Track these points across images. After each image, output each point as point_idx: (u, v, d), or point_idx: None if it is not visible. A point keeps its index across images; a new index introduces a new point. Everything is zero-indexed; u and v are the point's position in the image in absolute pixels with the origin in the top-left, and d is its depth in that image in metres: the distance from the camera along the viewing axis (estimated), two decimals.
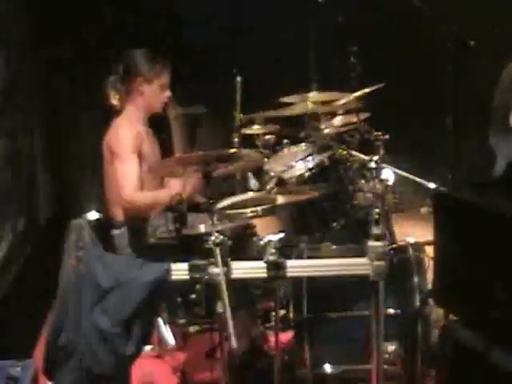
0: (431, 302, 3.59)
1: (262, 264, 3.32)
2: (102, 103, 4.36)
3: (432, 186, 4.15)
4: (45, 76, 5.17)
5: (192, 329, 4.12)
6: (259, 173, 4.21)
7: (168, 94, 4.37)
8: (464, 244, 2.93)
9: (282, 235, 3.63)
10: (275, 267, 3.29)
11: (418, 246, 3.85)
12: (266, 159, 4.22)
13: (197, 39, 5.73)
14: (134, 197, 4.09)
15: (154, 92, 4.30)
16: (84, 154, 5.30)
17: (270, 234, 3.67)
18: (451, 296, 2.99)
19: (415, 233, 4.26)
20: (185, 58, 5.58)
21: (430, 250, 3.93)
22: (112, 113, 4.38)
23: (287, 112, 4.38)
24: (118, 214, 4.24)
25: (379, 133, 3.86)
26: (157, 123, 4.48)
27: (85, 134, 5.32)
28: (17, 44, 4.76)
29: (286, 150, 4.35)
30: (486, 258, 2.82)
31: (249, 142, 4.56)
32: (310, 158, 4.13)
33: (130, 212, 4.14)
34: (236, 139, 4.46)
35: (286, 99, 4.37)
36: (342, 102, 4.22)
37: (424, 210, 6.10)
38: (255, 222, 3.99)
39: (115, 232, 4.14)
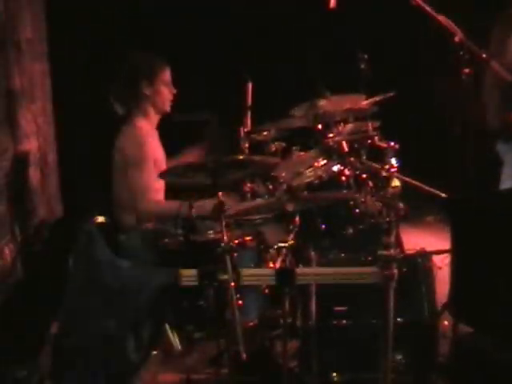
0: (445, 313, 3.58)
1: (271, 271, 3.32)
2: (109, 108, 4.38)
3: (443, 195, 4.14)
4: (54, 77, 5.16)
5: (198, 335, 4.11)
6: (268, 179, 4.21)
7: (173, 90, 4.39)
8: (484, 253, 2.90)
9: (290, 243, 3.63)
10: (284, 274, 3.29)
11: (426, 255, 3.84)
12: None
13: (206, 44, 5.72)
14: (151, 206, 4.13)
15: (158, 91, 4.32)
16: (92, 156, 5.30)
17: (278, 241, 3.67)
18: (470, 308, 2.97)
19: (422, 242, 4.24)
20: (193, 63, 5.58)
21: (437, 260, 3.93)
22: (120, 118, 4.41)
23: (298, 123, 4.39)
24: (126, 219, 4.24)
25: (390, 141, 3.85)
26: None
27: (94, 136, 5.33)
28: (29, 43, 4.75)
29: (295, 157, 4.34)
30: (508, 267, 2.79)
31: (258, 148, 4.56)
32: (319, 165, 4.12)
33: (144, 219, 4.15)
34: (246, 145, 4.45)
35: (295, 110, 4.35)
36: (351, 106, 4.22)
37: (430, 218, 6.08)
38: (264, 229, 3.98)
39: (122, 236, 4.13)
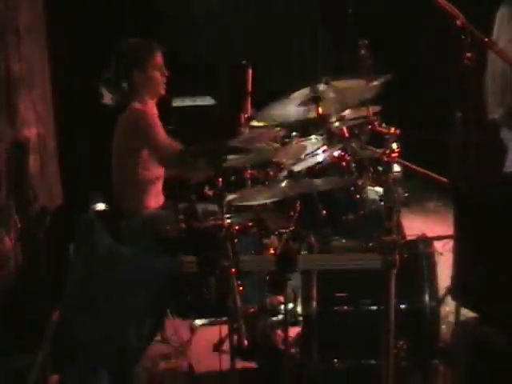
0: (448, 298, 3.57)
1: (272, 257, 3.31)
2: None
3: (444, 180, 4.13)
4: (55, 66, 5.16)
5: (200, 321, 4.12)
6: (268, 165, 4.19)
7: (165, 73, 4.36)
8: (488, 240, 2.90)
9: (291, 228, 3.62)
10: (285, 260, 3.28)
11: (428, 241, 3.83)
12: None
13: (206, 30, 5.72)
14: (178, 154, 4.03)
15: (151, 77, 4.29)
16: (92, 143, 5.31)
17: (279, 227, 3.66)
18: (473, 293, 2.96)
19: (423, 227, 4.25)
20: (194, 50, 5.57)
21: (438, 245, 3.93)
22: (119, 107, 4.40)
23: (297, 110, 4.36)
24: (127, 205, 4.23)
25: (390, 127, 3.83)
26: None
27: (93, 124, 5.33)
28: (28, 30, 4.74)
29: (295, 143, 4.32)
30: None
31: None
32: (320, 151, 4.10)
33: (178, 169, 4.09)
34: (246, 131, 4.43)
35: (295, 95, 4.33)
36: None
37: (431, 204, 6.09)
38: (265, 215, 3.98)
39: (123, 223, 4.13)
